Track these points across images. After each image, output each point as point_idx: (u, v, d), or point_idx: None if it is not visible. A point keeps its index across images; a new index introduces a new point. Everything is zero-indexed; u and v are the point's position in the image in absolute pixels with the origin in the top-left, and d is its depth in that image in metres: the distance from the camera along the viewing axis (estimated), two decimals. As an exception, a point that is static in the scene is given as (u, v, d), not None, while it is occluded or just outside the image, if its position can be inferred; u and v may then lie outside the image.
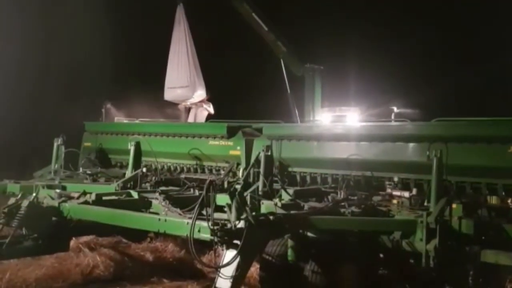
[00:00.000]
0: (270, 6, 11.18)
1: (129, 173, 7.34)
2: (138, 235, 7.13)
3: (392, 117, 7.02)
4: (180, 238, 7.19)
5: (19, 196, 5.21)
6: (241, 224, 3.92)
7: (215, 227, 3.84)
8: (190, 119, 10.90)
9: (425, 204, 5.34)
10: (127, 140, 8.98)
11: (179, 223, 4.28)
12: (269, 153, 5.94)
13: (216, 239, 3.83)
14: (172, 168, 8.57)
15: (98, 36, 11.65)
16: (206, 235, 3.92)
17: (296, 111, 10.61)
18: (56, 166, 8.23)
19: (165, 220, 4.40)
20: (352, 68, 11.19)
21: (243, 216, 3.92)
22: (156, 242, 6.97)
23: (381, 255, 5.12)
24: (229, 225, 3.93)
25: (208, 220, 3.85)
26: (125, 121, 10.25)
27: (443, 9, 12.24)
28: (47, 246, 5.12)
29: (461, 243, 4.76)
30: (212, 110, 10.99)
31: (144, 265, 6.12)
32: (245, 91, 12.67)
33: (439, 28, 12.11)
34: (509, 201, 5.55)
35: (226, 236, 3.85)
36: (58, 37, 11.18)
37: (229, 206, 4.00)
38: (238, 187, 4.93)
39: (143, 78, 11.83)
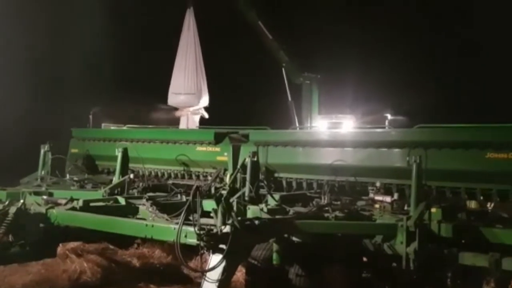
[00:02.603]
0: (268, 15, 11.40)
1: (116, 179, 7.38)
2: (125, 242, 7.17)
3: (386, 124, 7.24)
4: (167, 244, 7.24)
5: (6, 202, 5.25)
6: (227, 229, 4.02)
7: (202, 232, 3.93)
8: (183, 124, 10.93)
9: (406, 208, 5.49)
10: (114, 147, 9.02)
11: (166, 228, 4.36)
12: (255, 159, 6.05)
13: (202, 244, 3.92)
14: (159, 174, 8.64)
15: (85, 41, 11.69)
16: (192, 240, 4.01)
17: (296, 118, 10.88)
18: (42, 172, 8.28)
19: (152, 226, 4.48)
20: (348, 77, 11.51)
21: (229, 221, 4.02)
22: (143, 248, 7.02)
23: (364, 259, 5.26)
24: (215, 230, 4.03)
25: (194, 225, 3.95)
26: (112, 127, 10.27)
27: (435, 20, 12.62)
28: (35, 252, 5.15)
29: (440, 246, 4.91)
30: (206, 115, 11.12)
31: (131, 271, 6.18)
32: (245, 98, 12.88)
33: (432, 39, 12.49)
34: (487, 205, 5.75)
35: (212, 240, 3.95)
36: (46, 42, 11.17)
37: (215, 211, 4.10)
38: (225, 192, 5.02)
39: (132, 84, 11.88)
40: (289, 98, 11.15)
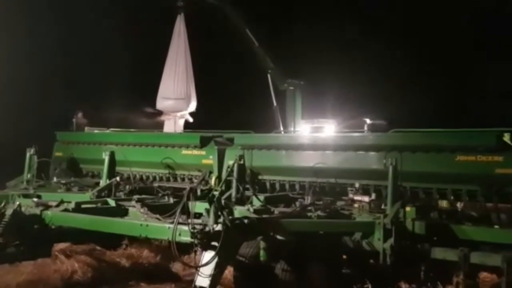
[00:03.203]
0: (255, 23, 11.79)
1: (103, 182, 7.57)
2: (112, 243, 7.36)
3: (365, 128, 7.62)
4: (155, 245, 7.48)
5: (2, 204, 5.41)
6: (218, 227, 4.31)
7: (195, 231, 4.21)
8: (168, 128, 11.10)
9: (383, 207, 5.88)
10: (98, 150, 9.18)
11: (161, 227, 4.61)
12: (242, 162, 6.35)
13: (196, 241, 4.19)
14: (144, 177, 8.82)
15: (71, 45, 11.78)
16: (186, 238, 4.28)
17: (281, 123, 11.28)
18: (28, 175, 8.39)
19: (147, 225, 4.72)
20: (330, 83, 12.03)
21: (221, 219, 4.30)
22: (131, 249, 7.20)
23: (344, 256, 5.62)
24: (207, 228, 4.31)
25: (188, 224, 4.22)
26: (95, 131, 10.39)
27: (413, 29, 13.27)
28: (30, 252, 5.33)
29: (414, 242, 5.30)
30: (191, 119, 11.38)
31: (120, 270, 6.35)
32: (232, 103, 13.23)
33: (410, 47, 13.14)
34: (457, 204, 6.17)
35: (205, 238, 4.23)
36: (31, 45, 11.21)
37: (208, 211, 4.38)
38: (217, 193, 5.29)
39: (116, 88, 12.01)
40: (274, 104, 11.55)
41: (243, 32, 11.45)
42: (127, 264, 6.57)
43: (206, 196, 5.13)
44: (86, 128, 10.46)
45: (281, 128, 10.99)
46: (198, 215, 4.56)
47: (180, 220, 4.37)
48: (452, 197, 6.18)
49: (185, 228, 4.26)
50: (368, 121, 7.71)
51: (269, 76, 11.55)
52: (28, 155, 8.43)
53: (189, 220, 4.26)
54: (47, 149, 9.58)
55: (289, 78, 11.61)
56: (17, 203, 5.36)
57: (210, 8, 11.53)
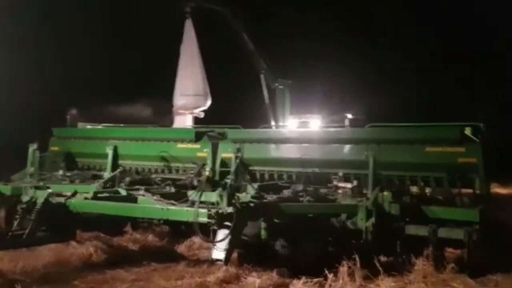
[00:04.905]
0: (250, 28, 12.61)
1: (108, 174, 8.18)
2: (114, 229, 7.99)
3: (346, 122, 8.38)
4: (158, 230, 8.15)
5: (32, 194, 6.00)
6: (230, 210, 5.07)
7: (211, 212, 4.96)
8: (182, 123, 11.68)
9: (364, 192, 6.75)
10: (93, 145, 9.73)
11: (181, 210, 5.32)
12: (239, 155, 7.11)
13: (213, 221, 4.94)
14: (140, 170, 9.42)
15: (64, 43, 12.12)
16: (204, 219, 5.02)
17: (272, 118, 12.17)
18: (32, 169, 8.88)
19: (167, 209, 5.42)
20: (315, 82, 13.12)
21: (232, 203, 5.07)
22: (136, 235, 7.84)
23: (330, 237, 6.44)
24: (221, 211, 5.06)
25: (206, 207, 4.96)
26: (88, 127, 10.86)
27: (391, 34, 14.32)
28: (58, 236, 5.94)
29: (391, 221, 6.19)
30: (202, 114, 12.10)
31: (130, 253, 6.96)
32: (228, 101, 14.02)
33: (388, 49, 14.21)
34: (426, 190, 7.08)
35: (219, 219, 4.99)
36: (27, 43, 11.50)
37: (221, 196, 5.13)
38: (229, 181, 6.01)
39: (110, 85, 12.49)
40: (267, 101, 12.45)
41: (241, 35, 12.31)
42: (135, 248, 7.20)
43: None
44: (79, 124, 10.93)
45: (272, 123, 11.85)
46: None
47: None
48: (422, 183, 7.03)
49: (203, 210, 5.00)
50: (349, 116, 8.58)
51: (262, 76, 12.45)
52: (31, 150, 8.93)
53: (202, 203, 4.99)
54: (45, 145, 10.05)
55: (279, 78, 12.56)
56: (48, 191, 5.94)
57: (212, 15, 12.32)
